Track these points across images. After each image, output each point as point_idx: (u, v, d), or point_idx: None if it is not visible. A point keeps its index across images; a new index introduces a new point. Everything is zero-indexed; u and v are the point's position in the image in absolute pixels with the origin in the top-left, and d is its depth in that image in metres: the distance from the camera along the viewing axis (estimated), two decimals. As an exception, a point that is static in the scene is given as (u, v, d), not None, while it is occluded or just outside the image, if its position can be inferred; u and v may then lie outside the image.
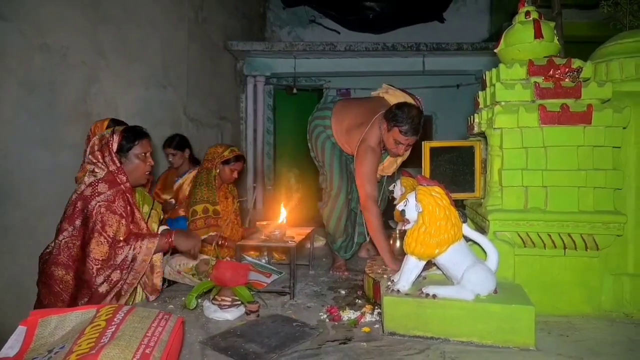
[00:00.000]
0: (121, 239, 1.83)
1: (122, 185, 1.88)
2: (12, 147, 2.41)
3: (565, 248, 1.76)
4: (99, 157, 1.87)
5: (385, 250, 2.14)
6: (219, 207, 2.71)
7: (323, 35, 6.94)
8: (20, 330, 1.21)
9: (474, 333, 1.49)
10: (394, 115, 2.26)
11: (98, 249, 1.77)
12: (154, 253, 1.88)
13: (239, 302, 1.81)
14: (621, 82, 1.92)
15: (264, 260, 2.63)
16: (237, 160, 2.83)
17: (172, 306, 1.96)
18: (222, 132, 5.46)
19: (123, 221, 1.84)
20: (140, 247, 1.83)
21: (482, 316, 1.48)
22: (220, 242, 2.65)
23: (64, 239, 1.77)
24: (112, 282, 1.78)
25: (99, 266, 1.76)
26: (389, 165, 2.61)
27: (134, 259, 1.82)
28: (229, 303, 1.79)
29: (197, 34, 4.71)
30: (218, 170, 2.80)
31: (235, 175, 2.84)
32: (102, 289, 1.76)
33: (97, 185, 1.83)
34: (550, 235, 1.75)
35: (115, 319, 1.18)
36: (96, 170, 1.86)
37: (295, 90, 6.56)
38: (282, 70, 6.25)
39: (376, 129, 2.37)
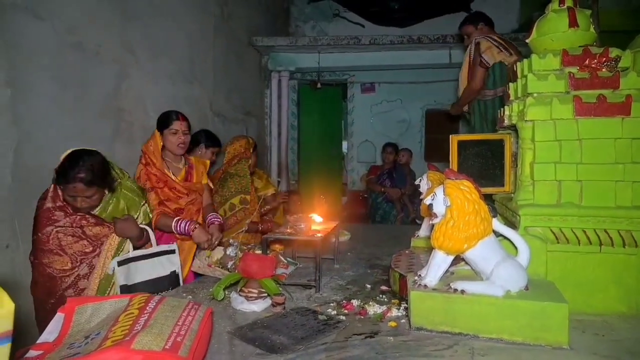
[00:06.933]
0: None
1: None
2: (46, 141, 2.49)
3: (601, 244, 1.70)
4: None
5: None
6: (248, 197, 2.98)
7: (347, 29, 6.89)
8: (59, 316, 1.26)
9: (504, 330, 1.46)
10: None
11: None
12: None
13: (266, 294, 1.83)
14: (662, 72, 1.83)
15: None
16: (255, 149, 3.26)
17: (191, 297, 2.00)
18: (247, 127, 5.51)
19: None
20: None
21: (512, 313, 1.45)
22: (260, 228, 2.97)
23: None
24: None
25: None
26: None
27: None
28: (255, 295, 1.81)
29: (222, 29, 4.75)
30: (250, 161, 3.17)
31: (253, 163, 3.26)
32: None
33: None
34: (585, 231, 1.70)
35: (147, 308, 1.21)
36: None
37: (319, 85, 6.55)
38: (306, 65, 6.25)
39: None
